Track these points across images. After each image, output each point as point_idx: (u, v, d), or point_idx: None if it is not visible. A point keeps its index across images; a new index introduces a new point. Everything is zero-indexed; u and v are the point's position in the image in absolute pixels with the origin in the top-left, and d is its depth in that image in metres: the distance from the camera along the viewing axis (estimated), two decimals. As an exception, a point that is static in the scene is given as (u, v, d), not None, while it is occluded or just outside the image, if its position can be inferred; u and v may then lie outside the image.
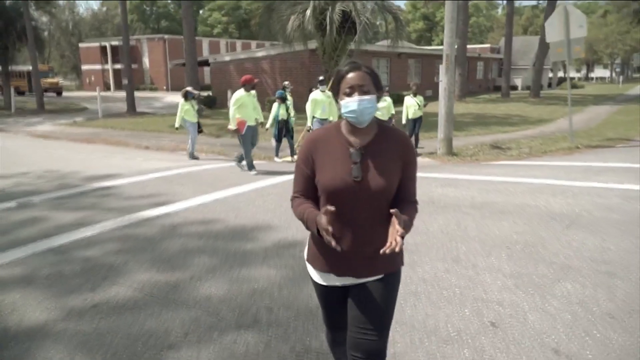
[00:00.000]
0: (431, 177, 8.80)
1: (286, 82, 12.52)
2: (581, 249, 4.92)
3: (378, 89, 2.15)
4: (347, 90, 2.11)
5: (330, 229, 1.95)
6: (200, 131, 12.42)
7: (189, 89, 12.35)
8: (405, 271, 1.92)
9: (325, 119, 10.37)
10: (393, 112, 11.63)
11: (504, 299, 3.89)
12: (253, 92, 9.53)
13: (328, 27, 14.78)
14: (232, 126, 9.29)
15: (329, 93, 9.28)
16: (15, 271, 4.78)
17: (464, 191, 7.56)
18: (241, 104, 9.13)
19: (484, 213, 6.32)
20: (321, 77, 10.71)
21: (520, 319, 3.56)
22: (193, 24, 22.78)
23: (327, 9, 14.92)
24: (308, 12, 14.94)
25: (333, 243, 1.95)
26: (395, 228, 1.94)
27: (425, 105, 12.90)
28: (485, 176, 8.85)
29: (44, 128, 20.38)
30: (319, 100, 10.39)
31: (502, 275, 4.35)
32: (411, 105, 12.05)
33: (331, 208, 1.96)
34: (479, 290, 4.06)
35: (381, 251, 1.93)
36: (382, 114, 10.72)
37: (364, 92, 2.08)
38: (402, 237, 1.94)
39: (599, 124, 17.48)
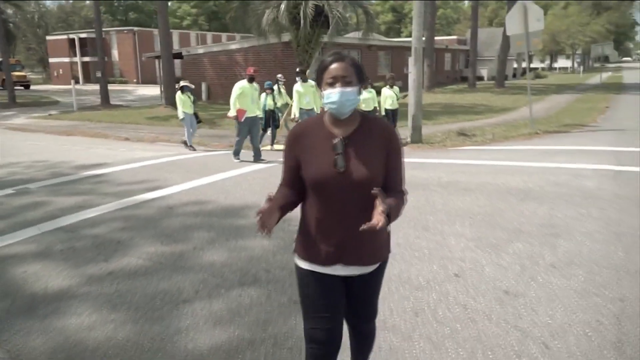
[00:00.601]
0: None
1: (279, 75, 13.05)
2: (532, 217, 5.68)
3: (361, 81, 2.16)
4: (330, 80, 2.11)
5: (260, 214, 1.98)
6: (198, 122, 12.77)
7: (185, 83, 12.59)
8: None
9: (311, 109, 10.75)
10: (376, 104, 12.01)
11: (465, 256, 4.61)
12: (255, 84, 9.99)
13: (302, 21, 15.36)
14: (231, 113, 9.83)
15: (312, 83, 9.90)
16: (30, 247, 5.29)
17: (432, 172, 8.30)
18: (241, 93, 9.62)
19: (450, 190, 7.06)
20: (297, 69, 11.27)
21: (479, 271, 4.28)
22: (167, 18, 22.99)
23: (301, 3, 15.49)
24: (282, 6, 15.50)
25: (260, 230, 1.98)
26: (377, 208, 1.92)
27: (404, 97, 13.40)
28: (451, 160, 9.61)
29: (19, 121, 20.43)
30: (301, 92, 10.79)
31: (465, 238, 5.08)
32: (389, 97, 12.40)
33: (270, 194, 2.07)
34: (445, 250, 4.78)
35: (360, 228, 1.91)
36: (366, 105, 11.26)
37: (346, 83, 2.09)
38: (388, 217, 1.93)
39: (558, 112, 18.53)
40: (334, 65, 2.12)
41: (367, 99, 11.34)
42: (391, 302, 3.71)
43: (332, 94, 2.09)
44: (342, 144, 2.11)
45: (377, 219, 1.88)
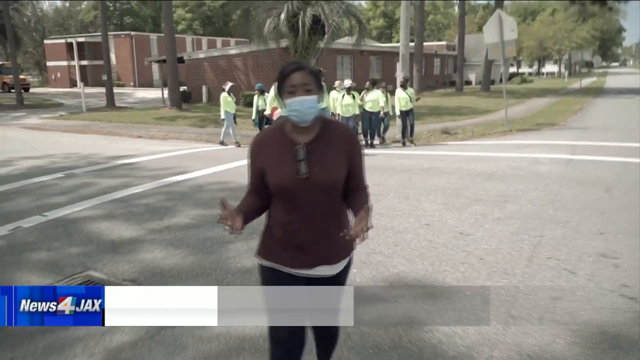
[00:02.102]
0: (391, 153, 11.05)
1: (346, 81, 13.99)
2: (491, 191, 7.22)
3: (319, 88, 2.21)
4: (291, 89, 2.15)
5: (223, 221, 2.07)
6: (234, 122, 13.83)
7: (230, 84, 13.66)
8: (372, 202, 2.18)
9: (324, 110, 11.46)
10: (382, 104, 12.38)
11: (435, 214, 6.13)
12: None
13: (300, 29, 16.87)
14: (267, 112, 11.29)
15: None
16: (97, 212, 6.73)
17: (415, 161, 9.83)
18: (275, 95, 11.03)
19: (429, 173, 8.60)
20: (319, 68, 12.65)
21: (443, 222, 5.80)
22: (172, 23, 24.43)
23: (300, 13, 17.00)
24: (282, 15, 17.01)
25: (226, 228, 2.08)
26: (361, 223, 2.00)
27: (417, 99, 13.85)
28: (433, 152, 11.17)
29: (32, 121, 21.72)
30: None
31: (436, 204, 6.60)
32: (402, 98, 12.62)
33: (222, 199, 2.09)
34: (420, 210, 6.30)
35: (341, 234, 2.03)
36: (371, 106, 12.16)
37: (307, 92, 2.14)
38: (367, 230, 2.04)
39: (534, 113, 20.15)
40: (294, 75, 2.15)
41: (373, 100, 12.17)
42: (378, 240, 5.20)
43: (294, 103, 2.14)
44: (304, 150, 2.16)
45: (362, 234, 2.00)
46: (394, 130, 13.63)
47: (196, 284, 4.42)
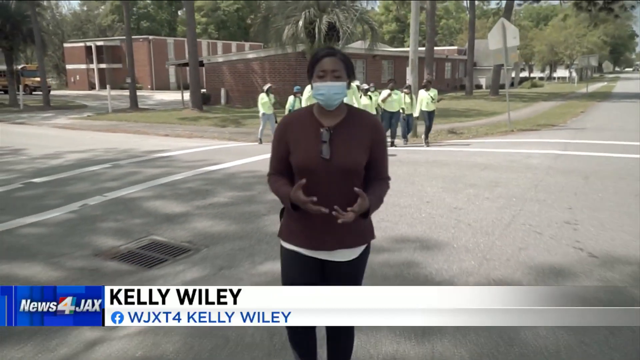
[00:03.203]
0: (401, 149, 12.19)
1: (362, 84, 13.77)
2: (485, 178, 8.36)
3: (350, 76, 2.29)
4: (321, 73, 2.23)
5: (309, 199, 2.12)
6: (276, 122, 14.28)
7: (269, 85, 14.34)
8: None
9: None
10: (404, 105, 12.68)
11: (435, 195, 7.29)
12: (352, 84, 12.01)
13: (317, 35, 18.09)
14: None
15: (352, 85, 11.65)
16: (148, 193, 7.95)
17: (422, 155, 10.99)
18: (310, 96, 11.20)
19: (433, 164, 9.75)
20: None
21: (442, 200, 6.96)
22: (195, 28, 25.77)
23: (316, 20, 18.23)
24: (300, 22, 18.25)
25: (322, 209, 2.12)
26: (353, 207, 2.12)
27: (439, 101, 14.06)
28: (438, 148, 12.29)
29: (61, 121, 23.07)
30: None
31: (437, 187, 7.76)
32: (424, 98, 12.81)
33: (302, 182, 2.14)
34: (423, 192, 7.46)
35: (334, 213, 2.12)
36: (390, 107, 12.33)
37: (335, 78, 2.22)
38: (364, 215, 2.20)
39: (537, 115, 21.17)
40: (325, 60, 2.24)
41: (394, 100, 12.38)
42: (386, 212, 6.35)
43: (322, 87, 2.23)
44: (328, 133, 2.25)
45: (348, 215, 2.12)
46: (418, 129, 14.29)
47: (241, 244, 5.59)
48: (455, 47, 62.31)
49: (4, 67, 34.97)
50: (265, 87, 14.05)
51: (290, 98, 13.98)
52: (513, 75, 61.20)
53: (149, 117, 23.45)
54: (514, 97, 35.69)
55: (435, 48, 38.41)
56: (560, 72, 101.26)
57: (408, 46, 18.33)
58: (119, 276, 4.67)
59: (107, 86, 28.41)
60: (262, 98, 13.81)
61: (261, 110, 13.95)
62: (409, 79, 15.08)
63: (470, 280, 4.24)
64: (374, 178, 2.36)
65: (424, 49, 29.23)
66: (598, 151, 10.87)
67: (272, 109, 14.12)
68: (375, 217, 2.42)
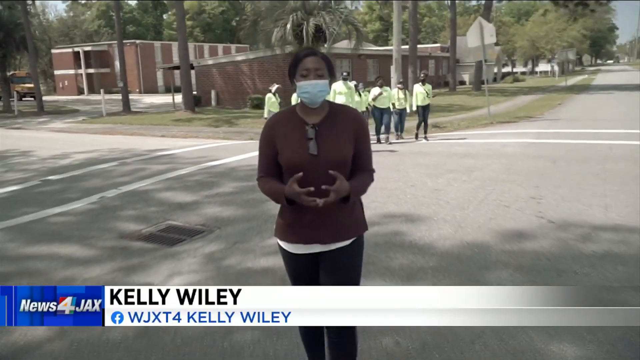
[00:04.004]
0: (394, 142, 13.07)
1: (357, 82, 13.74)
2: (463, 164, 9.25)
3: (331, 74, 2.36)
4: (304, 72, 2.31)
5: (305, 190, 2.19)
6: None
7: (276, 86, 14.46)
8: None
9: None
10: (394, 101, 12.90)
11: (418, 179, 8.17)
12: (349, 83, 11.63)
13: (304, 37, 18.93)
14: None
15: (350, 85, 11.57)
16: (159, 186, 8.73)
17: (406, 147, 11.87)
18: (339, 92, 11.24)
19: (417, 155, 10.64)
20: (344, 73, 12.26)
21: (424, 184, 7.84)
22: (185, 32, 26.46)
23: (304, 23, 19.07)
24: (288, 25, 19.08)
25: (317, 200, 2.19)
26: (330, 193, 2.20)
27: (434, 96, 14.33)
28: (422, 141, 13.17)
29: (58, 125, 23.63)
30: (337, 91, 11.34)
31: (420, 174, 8.64)
32: (420, 93, 13.04)
33: (298, 175, 2.21)
34: (407, 177, 8.33)
35: (317, 201, 2.20)
36: (381, 103, 12.49)
37: (318, 76, 2.30)
38: (345, 200, 2.27)
39: (517, 108, 22.19)
40: (307, 59, 2.32)
41: (384, 97, 12.53)
42: (375, 195, 7.19)
43: (306, 85, 2.30)
44: (313, 130, 2.32)
45: (330, 198, 2.19)
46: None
47: (249, 225, 6.40)
48: (438, 45, 63.46)
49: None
50: (273, 88, 14.15)
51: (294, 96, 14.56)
52: (495, 70, 62.52)
53: (142, 120, 24.08)
54: (496, 91, 36.79)
55: (419, 46, 39.42)
56: (543, 67, 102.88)
57: (392, 45, 19.27)
58: (147, 252, 5.46)
59: (101, 90, 29.09)
60: (270, 98, 13.92)
61: (270, 110, 13.90)
62: (393, 77, 15.95)
63: (447, 243, 5.09)
64: (358, 169, 2.42)
65: (407, 47, 30.14)
66: (568, 139, 11.83)
67: (279, 108, 14.46)
68: (366, 199, 2.58)
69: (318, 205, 2.19)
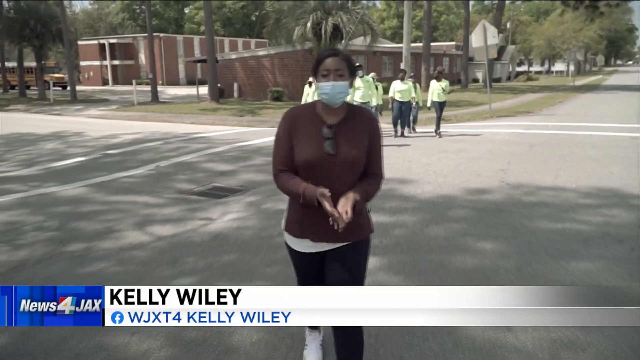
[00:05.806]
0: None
1: (372, 74, 14.05)
2: (454, 147, 11.00)
3: (352, 74, 2.42)
4: (324, 72, 2.37)
5: (335, 212, 2.23)
6: None
7: (312, 79, 16.49)
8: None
9: (366, 103, 11.33)
10: (413, 94, 13.09)
11: (414, 157, 9.95)
12: (367, 77, 11.97)
13: (323, 35, 20.71)
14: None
15: (368, 78, 11.78)
16: (201, 159, 10.57)
17: (413, 138, 13.60)
18: (357, 88, 11.24)
19: (417, 140, 12.38)
20: (358, 64, 11.90)
21: (419, 160, 9.63)
22: (212, 27, 28.37)
23: (322, 22, 20.86)
24: (308, 24, 20.88)
25: (335, 213, 2.23)
26: (343, 208, 2.24)
27: (450, 92, 14.48)
28: (425, 129, 14.93)
29: (94, 112, 25.57)
30: (356, 87, 11.22)
31: (417, 154, 10.41)
32: (436, 89, 13.19)
33: (327, 194, 2.25)
34: (405, 156, 10.12)
35: (333, 222, 2.27)
36: (401, 97, 12.69)
37: (339, 77, 2.36)
38: (353, 209, 2.28)
39: (519, 105, 23.75)
40: (328, 60, 2.39)
41: (404, 90, 12.73)
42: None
43: (326, 86, 2.37)
44: (331, 130, 2.40)
45: (347, 212, 2.25)
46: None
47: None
48: (453, 43, 64.68)
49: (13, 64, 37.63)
50: (310, 79, 14.16)
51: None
52: (510, 69, 63.69)
53: (171, 109, 25.98)
54: (506, 89, 38.27)
55: (435, 44, 40.94)
56: (559, 66, 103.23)
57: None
58: (202, 201, 7.29)
59: (133, 81, 31.11)
60: (308, 90, 13.73)
61: (306, 100, 14.20)
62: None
63: (426, 195, 6.89)
64: (366, 173, 2.47)
65: (421, 45, 31.75)
66: (553, 130, 13.48)
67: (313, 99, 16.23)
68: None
69: (338, 229, 2.28)
